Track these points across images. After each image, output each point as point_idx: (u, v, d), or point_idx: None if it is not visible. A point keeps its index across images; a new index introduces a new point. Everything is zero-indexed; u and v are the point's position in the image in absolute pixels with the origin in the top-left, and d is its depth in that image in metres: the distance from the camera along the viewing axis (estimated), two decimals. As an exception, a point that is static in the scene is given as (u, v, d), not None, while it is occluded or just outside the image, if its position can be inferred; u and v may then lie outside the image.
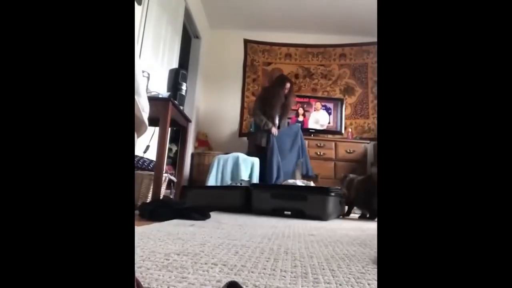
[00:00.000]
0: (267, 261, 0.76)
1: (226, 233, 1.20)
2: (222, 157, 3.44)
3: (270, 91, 3.65)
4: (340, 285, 0.60)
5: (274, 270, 0.67)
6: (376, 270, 0.72)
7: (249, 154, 3.55)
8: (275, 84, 3.69)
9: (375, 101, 4.58)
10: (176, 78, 2.38)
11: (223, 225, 1.49)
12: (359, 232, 1.55)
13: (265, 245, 0.97)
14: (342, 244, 1.10)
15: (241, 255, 0.81)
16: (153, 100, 1.92)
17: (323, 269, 0.71)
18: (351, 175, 2.96)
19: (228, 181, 3.23)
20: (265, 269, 0.68)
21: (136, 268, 0.61)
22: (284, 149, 3.45)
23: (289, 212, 2.29)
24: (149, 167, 2.27)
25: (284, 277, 0.63)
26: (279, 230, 1.42)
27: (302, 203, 2.26)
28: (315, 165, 4.05)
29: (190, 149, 4.26)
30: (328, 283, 0.60)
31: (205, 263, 0.69)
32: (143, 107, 0.58)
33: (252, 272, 0.64)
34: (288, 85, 3.63)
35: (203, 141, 4.53)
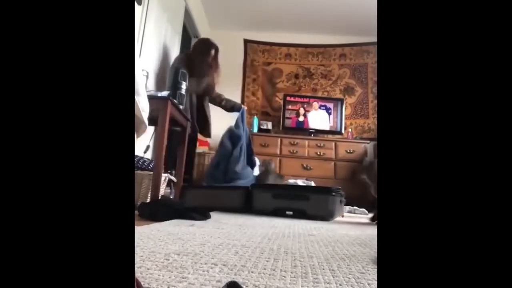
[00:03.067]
0: (267, 261, 0.76)
1: (226, 233, 1.20)
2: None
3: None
4: (340, 285, 0.59)
5: (274, 270, 0.67)
6: (376, 270, 0.72)
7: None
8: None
9: (375, 101, 4.58)
10: (176, 77, 2.38)
11: (223, 225, 1.49)
12: (359, 232, 1.55)
13: (265, 245, 0.97)
14: (342, 244, 1.10)
15: (241, 255, 0.81)
16: (152, 99, 1.92)
17: (323, 269, 0.71)
18: (367, 159, 2.80)
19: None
20: (265, 269, 0.68)
21: (136, 268, 0.61)
22: None
23: (291, 212, 2.28)
24: (149, 167, 2.27)
25: (284, 277, 0.63)
26: (279, 230, 1.42)
27: (304, 203, 2.25)
28: (315, 165, 4.06)
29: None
30: (328, 283, 0.60)
31: (205, 263, 0.69)
32: (142, 107, 0.58)
33: (252, 272, 0.64)
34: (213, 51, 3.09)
35: (203, 141, 4.53)
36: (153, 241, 0.94)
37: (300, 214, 2.22)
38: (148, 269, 0.62)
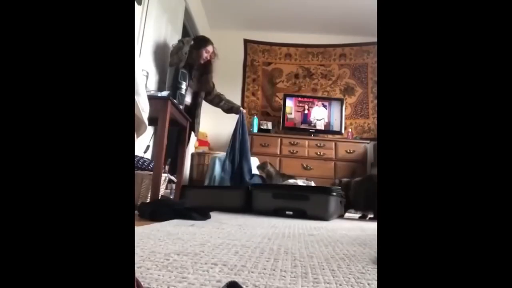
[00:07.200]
0: (267, 261, 0.76)
1: (226, 233, 1.20)
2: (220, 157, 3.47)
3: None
4: (340, 285, 0.59)
5: (274, 270, 0.67)
6: (376, 270, 0.72)
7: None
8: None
9: (375, 101, 4.58)
10: (176, 77, 2.37)
11: (223, 225, 1.49)
12: (359, 232, 1.55)
13: (265, 245, 0.97)
14: (342, 244, 1.10)
15: (241, 255, 0.81)
16: (152, 99, 1.92)
17: (323, 269, 0.71)
18: (344, 180, 3.00)
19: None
20: (265, 269, 0.68)
21: (136, 268, 0.61)
22: None
23: (291, 212, 2.28)
24: (149, 167, 2.27)
25: (284, 277, 0.62)
26: (279, 230, 1.42)
27: (304, 203, 2.26)
28: (315, 165, 4.06)
29: (190, 149, 4.25)
30: (328, 283, 0.60)
31: (205, 263, 0.69)
32: (142, 107, 0.58)
33: (252, 272, 0.64)
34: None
35: (203, 141, 4.53)
36: (153, 241, 0.93)
37: (300, 214, 2.22)
38: (148, 269, 0.62)
